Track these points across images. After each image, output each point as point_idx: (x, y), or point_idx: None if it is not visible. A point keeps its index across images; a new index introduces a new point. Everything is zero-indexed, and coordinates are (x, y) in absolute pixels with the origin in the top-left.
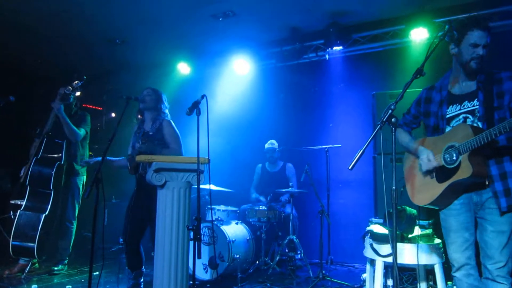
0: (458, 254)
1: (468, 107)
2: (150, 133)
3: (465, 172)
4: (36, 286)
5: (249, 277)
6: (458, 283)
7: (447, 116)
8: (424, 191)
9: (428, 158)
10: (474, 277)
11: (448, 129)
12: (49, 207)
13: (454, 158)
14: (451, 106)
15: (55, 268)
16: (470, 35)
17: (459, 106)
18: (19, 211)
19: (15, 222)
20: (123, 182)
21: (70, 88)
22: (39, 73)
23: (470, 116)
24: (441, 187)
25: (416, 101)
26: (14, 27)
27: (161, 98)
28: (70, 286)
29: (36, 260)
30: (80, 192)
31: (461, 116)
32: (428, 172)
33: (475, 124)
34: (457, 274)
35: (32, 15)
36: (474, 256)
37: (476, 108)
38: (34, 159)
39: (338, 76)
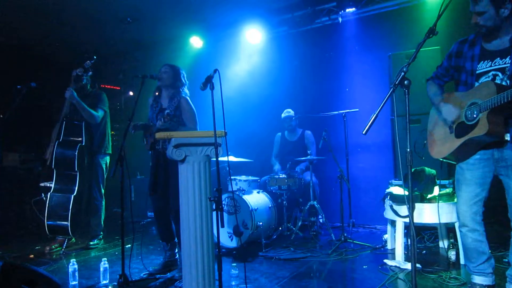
0: (465, 207)
1: (500, 65)
2: (170, 112)
3: (481, 129)
4: (74, 260)
5: (273, 243)
6: (463, 238)
7: (477, 71)
8: (442, 145)
9: (450, 108)
10: (479, 233)
11: (476, 85)
12: (76, 187)
13: (475, 115)
14: (482, 62)
15: (91, 243)
16: None
17: (490, 62)
18: (49, 193)
19: (47, 203)
20: (146, 158)
21: (82, 69)
22: (57, 58)
23: (500, 74)
24: (457, 142)
25: (448, 54)
26: (30, 10)
27: (179, 74)
28: (106, 259)
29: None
30: (104, 171)
31: (490, 74)
32: (448, 125)
33: (504, 83)
34: (462, 229)
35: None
36: (481, 213)
37: (507, 66)
38: (56, 143)
39: (352, 39)
